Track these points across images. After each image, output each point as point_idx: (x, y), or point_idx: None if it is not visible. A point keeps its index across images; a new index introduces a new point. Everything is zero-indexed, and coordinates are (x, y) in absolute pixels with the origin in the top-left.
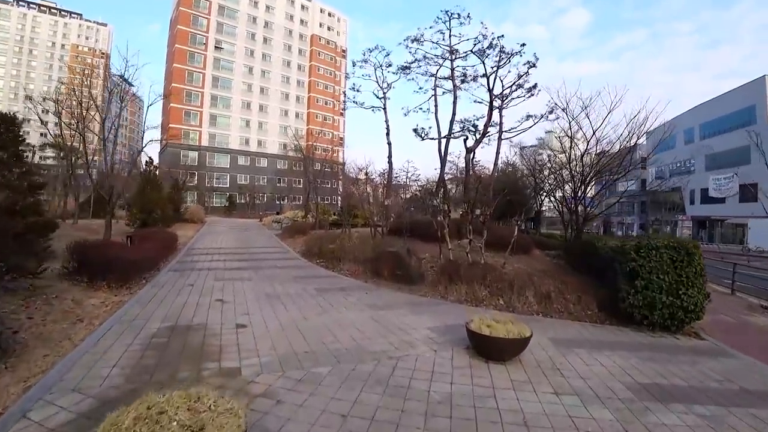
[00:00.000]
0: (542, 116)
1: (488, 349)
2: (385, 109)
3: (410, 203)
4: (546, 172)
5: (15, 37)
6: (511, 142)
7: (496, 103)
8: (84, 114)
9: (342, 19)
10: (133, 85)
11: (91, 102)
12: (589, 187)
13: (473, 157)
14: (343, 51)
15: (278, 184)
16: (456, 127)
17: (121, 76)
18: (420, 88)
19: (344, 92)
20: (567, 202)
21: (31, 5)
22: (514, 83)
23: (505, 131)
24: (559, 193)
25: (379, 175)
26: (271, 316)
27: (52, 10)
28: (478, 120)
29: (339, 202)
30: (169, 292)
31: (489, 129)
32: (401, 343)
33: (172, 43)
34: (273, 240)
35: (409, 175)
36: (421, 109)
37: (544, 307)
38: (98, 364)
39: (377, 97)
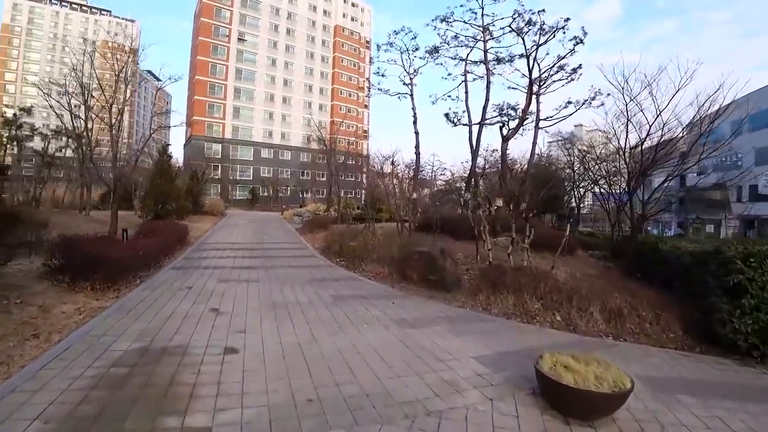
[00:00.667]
0: (585, 101)
1: (569, 405)
2: (411, 96)
3: (437, 197)
4: (591, 164)
5: (48, 34)
6: (546, 132)
7: (534, 87)
8: (86, 98)
9: (366, 9)
10: (160, 80)
11: (95, 85)
12: (644, 179)
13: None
14: (367, 42)
15: (301, 177)
16: (489, 115)
17: (150, 72)
18: (449, 74)
19: (368, 78)
20: (615, 197)
21: (63, 3)
22: (554, 64)
23: (543, 119)
24: (604, 186)
25: (405, 167)
26: (273, 336)
27: (83, 8)
28: (515, 106)
29: (363, 196)
30: (160, 297)
31: (527, 115)
32: (442, 386)
33: (196, 36)
34: (291, 235)
35: (435, 168)
36: (450, 96)
37: (615, 327)
38: (19, 413)
39: (404, 84)
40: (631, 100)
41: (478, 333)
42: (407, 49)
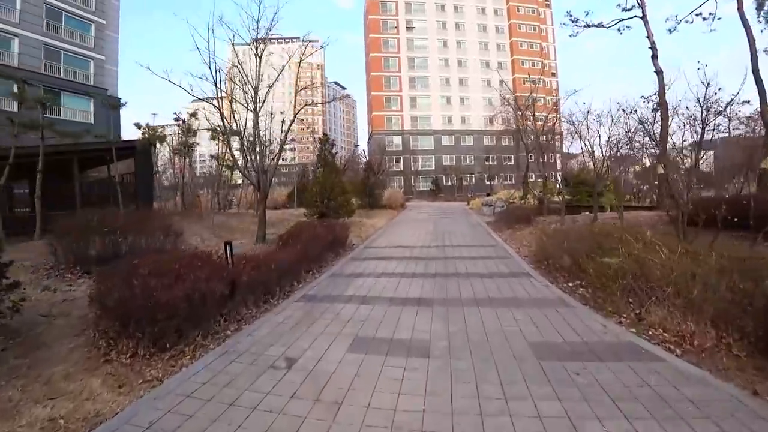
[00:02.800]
0: None
1: None
2: (644, 18)
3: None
4: None
5: (255, 67)
6: None
7: None
8: (222, 79)
9: None
10: (345, 88)
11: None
12: None
13: None
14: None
15: (486, 163)
16: None
17: (336, 82)
18: None
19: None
20: None
21: (265, 41)
22: None
23: None
24: None
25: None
26: None
27: (278, 40)
28: None
29: (558, 178)
30: (207, 404)
31: None
32: None
33: (366, 34)
34: (482, 232)
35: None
36: (699, 14)
37: None
38: None
39: (624, 8)
40: None
41: None
42: None
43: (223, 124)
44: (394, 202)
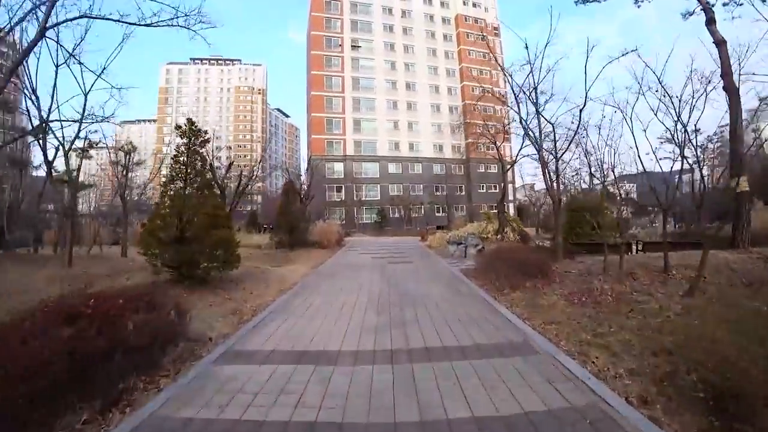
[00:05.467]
0: None
1: None
2: None
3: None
4: None
5: (193, 88)
6: None
7: None
8: None
9: None
10: (288, 116)
11: None
12: None
13: None
14: (495, 29)
15: (437, 193)
16: None
17: (278, 109)
18: None
19: None
20: None
21: (203, 61)
22: None
23: None
24: None
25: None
26: None
27: (219, 62)
28: None
29: (510, 209)
30: None
31: None
32: None
33: (309, 50)
34: (473, 300)
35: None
36: None
37: None
38: None
39: None
40: None
41: None
42: None
43: None
44: (327, 238)
